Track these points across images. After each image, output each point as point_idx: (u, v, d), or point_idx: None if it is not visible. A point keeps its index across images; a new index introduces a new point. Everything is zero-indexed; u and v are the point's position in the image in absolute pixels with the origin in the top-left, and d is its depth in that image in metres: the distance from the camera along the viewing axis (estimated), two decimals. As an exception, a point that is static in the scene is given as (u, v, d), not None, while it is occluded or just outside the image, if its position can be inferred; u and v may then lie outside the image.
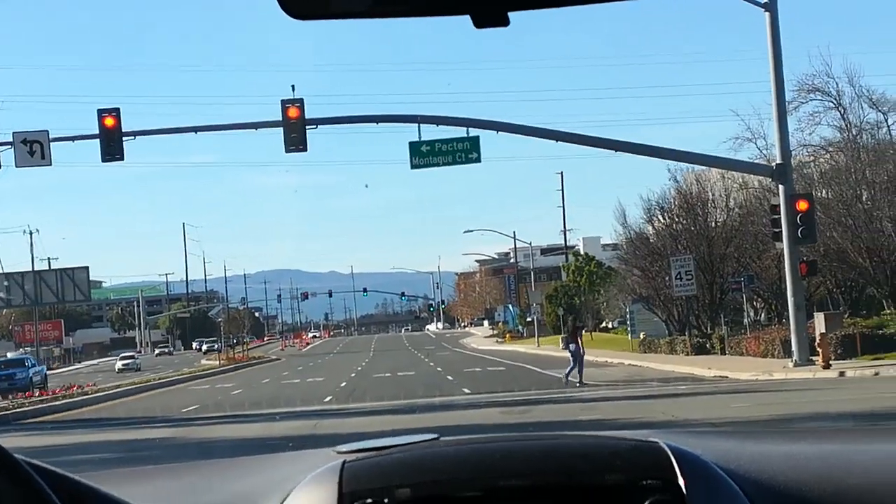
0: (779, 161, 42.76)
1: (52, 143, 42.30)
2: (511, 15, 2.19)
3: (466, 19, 2.19)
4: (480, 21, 2.19)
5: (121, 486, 2.50)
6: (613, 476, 2.53)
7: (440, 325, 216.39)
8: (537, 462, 2.60)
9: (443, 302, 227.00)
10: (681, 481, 2.49)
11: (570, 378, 42.28)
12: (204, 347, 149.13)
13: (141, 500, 2.43)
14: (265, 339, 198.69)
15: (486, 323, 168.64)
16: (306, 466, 2.68)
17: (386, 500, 2.49)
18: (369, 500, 2.49)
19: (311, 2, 2.21)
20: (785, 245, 42.02)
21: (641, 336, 70.37)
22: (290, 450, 3.15)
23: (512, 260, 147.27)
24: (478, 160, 42.88)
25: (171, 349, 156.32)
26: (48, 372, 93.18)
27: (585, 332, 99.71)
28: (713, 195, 64.39)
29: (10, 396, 54.71)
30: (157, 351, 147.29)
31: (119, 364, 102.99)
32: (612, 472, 2.54)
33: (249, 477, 2.87)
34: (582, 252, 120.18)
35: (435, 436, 2.82)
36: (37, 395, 55.93)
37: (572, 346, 43.30)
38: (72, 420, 43.03)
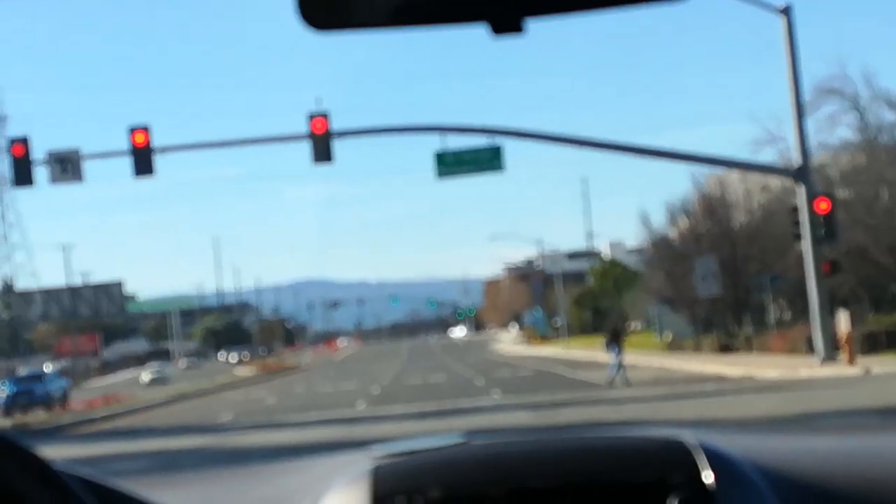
0: (799, 162, 43.22)
1: (84, 161, 43.03)
2: (529, 25, 2.26)
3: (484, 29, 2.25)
4: (498, 29, 2.25)
5: (154, 492, 2.57)
6: (640, 473, 2.53)
7: (464, 330, 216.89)
8: (565, 461, 2.61)
9: (471, 308, 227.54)
10: (708, 477, 2.49)
11: (621, 378, 43.19)
12: (235, 358, 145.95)
13: None
14: (293, 348, 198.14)
15: (514, 327, 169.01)
16: (339, 469, 2.71)
17: (418, 501, 2.52)
18: (402, 502, 2.52)
19: (332, 15, 2.25)
20: (808, 244, 42.46)
21: (669, 337, 70.80)
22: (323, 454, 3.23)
23: (538, 265, 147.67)
24: (501, 168, 43.45)
25: (197, 360, 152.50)
26: (86, 384, 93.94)
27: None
28: (735, 197, 64.81)
29: (51, 409, 55.49)
30: (186, 364, 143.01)
31: (144, 377, 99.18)
32: (639, 469, 2.55)
33: (282, 480, 2.90)
34: (608, 256, 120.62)
35: (465, 438, 2.84)
36: (58, 409, 56.46)
37: (614, 348, 44.22)
38: (109, 431, 43.80)
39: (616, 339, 44.77)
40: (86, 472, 2.11)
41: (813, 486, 2.54)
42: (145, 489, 2.48)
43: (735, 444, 2.68)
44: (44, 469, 1.91)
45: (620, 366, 43.97)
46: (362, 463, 2.67)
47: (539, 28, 2.29)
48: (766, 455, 2.65)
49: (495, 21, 2.23)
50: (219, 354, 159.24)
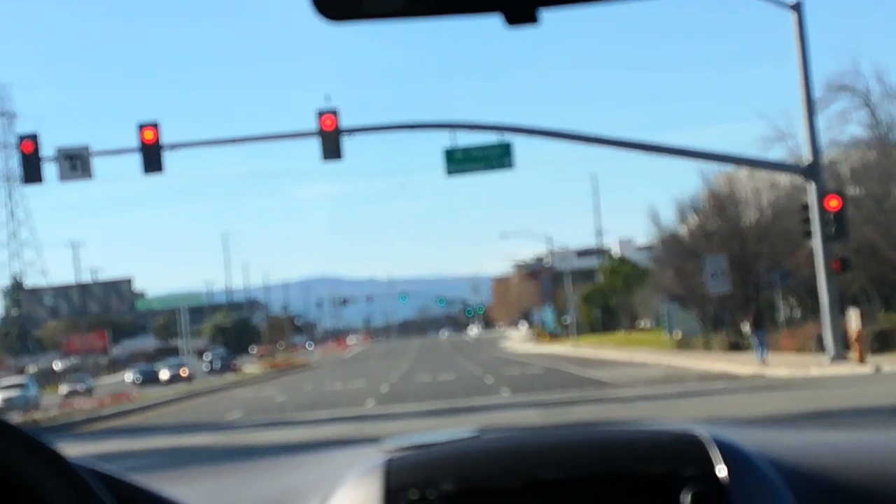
0: (809, 160, 43.08)
1: (93, 158, 43.02)
2: (543, 16, 2.23)
3: (498, 20, 2.22)
4: (512, 19, 2.22)
5: (168, 486, 2.57)
6: (653, 466, 2.53)
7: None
8: (578, 454, 2.61)
9: (480, 306, 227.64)
10: (722, 471, 2.49)
11: (764, 358, 45.71)
12: (129, 376, 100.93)
13: (189, 499, 2.53)
14: (296, 347, 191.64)
15: (523, 325, 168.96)
16: (352, 463, 2.70)
17: (431, 494, 2.51)
18: (415, 495, 2.52)
19: (346, 5, 2.24)
20: (817, 242, 42.31)
21: (678, 335, 70.70)
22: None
23: (548, 263, 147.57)
24: (511, 166, 43.33)
25: (87, 384, 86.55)
26: (94, 383, 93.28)
27: (623, 331, 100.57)
28: (744, 195, 64.68)
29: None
30: (66, 389, 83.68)
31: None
32: (652, 462, 2.54)
33: (296, 474, 2.90)
34: (617, 253, 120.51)
35: (477, 432, 2.85)
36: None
37: (758, 332, 47.08)
38: (118, 428, 43.83)
39: (761, 325, 47.73)
40: (100, 466, 2.12)
41: (826, 479, 2.53)
42: (159, 484, 2.46)
43: (748, 438, 2.67)
44: (61, 464, 1.93)
45: (765, 348, 46.43)
46: (375, 456, 2.67)
47: (549, 25, 2.26)
48: (779, 449, 2.64)
49: (509, 11, 2.21)
50: (126, 375, 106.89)
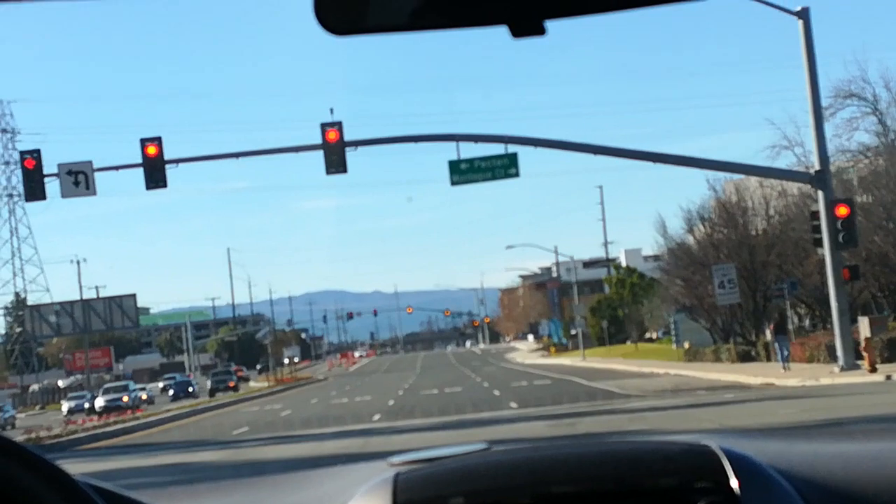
0: (817, 168, 42.79)
1: (96, 173, 42.76)
2: (548, 27, 2.22)
3: (503, 32, 2.21)
4: (518, 31, 2.21)
5: (175, 503, 2.55)
6: (666, 479, 2.52)
7: (482, 341, 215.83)
8: (589, 468, 2.59)
9: (487, 320, 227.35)
10: (734, 483, 2.48)
11: (786, 364, 46.79)
12: (66, 406, 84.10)
13: None
14: (296, 360, 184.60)
15: (530, 337, 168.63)
16: (359, 479, 2.68)
17: None
18: None
19: (349, 17, 2.24)
20: (826, 251, 42.01)
21: (686, 345, 70.35)
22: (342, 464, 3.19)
23: (554, 274, 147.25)
24: (516, 175, 43.06)
25: (6, 414, 74.77)
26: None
27: (631, 343, 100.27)
28: (753, 203, 64.38)
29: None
30: None
31: None
32: (664, 475, 2.53)
33: (304, 491, 2.88)
34: (624, 264, 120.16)
35: (486, 445, 2.82)
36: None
37: (780, 338, 48.18)
38: (126, 445, 43.46)
39: (782, 331, 49.21)
40: (105, 485, 2.11)
41: (839, 490, 2.53)
42: (166, 501, 2.51)
43: (760, 449, 2.68)
44: (63, 480, 1.96)
45: (787, 354, 47.41)
46: (383, 471, 2.67)
47: (554, 34, 2.25)
48: (791, 459, 2.65)
49: (515, 24, 2.20)
50: (63, 404, 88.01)
